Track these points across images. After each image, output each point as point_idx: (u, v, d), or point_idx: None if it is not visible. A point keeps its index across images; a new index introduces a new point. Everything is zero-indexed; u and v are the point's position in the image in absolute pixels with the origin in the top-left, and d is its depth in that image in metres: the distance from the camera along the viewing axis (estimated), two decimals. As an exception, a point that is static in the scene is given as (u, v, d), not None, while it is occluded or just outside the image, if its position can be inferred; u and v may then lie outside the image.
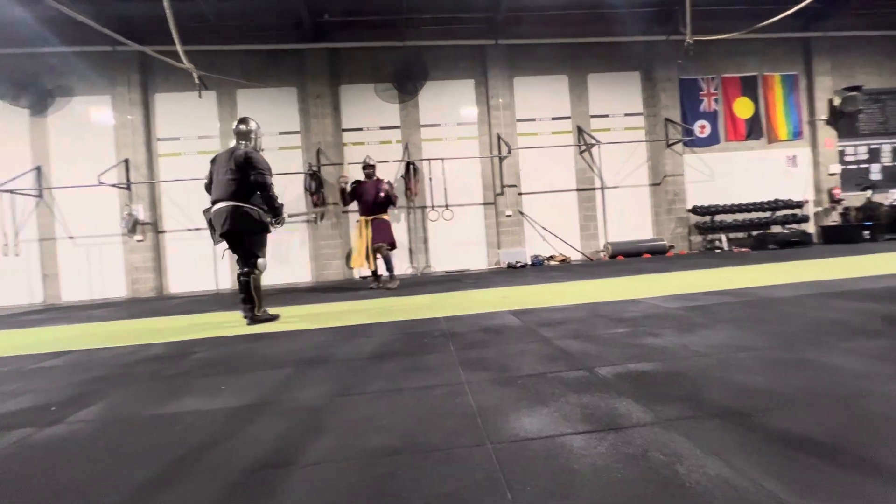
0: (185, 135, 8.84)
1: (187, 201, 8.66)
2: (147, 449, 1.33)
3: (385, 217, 5.97)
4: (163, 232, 8.73)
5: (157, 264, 8.56)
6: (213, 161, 3.71)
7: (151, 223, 8.58)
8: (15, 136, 8.48)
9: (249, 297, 3.61)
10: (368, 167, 6.05)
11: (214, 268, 8.48)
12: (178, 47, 5.22)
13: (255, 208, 3.57)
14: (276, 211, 3.68)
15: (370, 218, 5.91)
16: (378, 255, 5.89)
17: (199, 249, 8.61)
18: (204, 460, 1.23)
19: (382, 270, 6.10)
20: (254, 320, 3.62)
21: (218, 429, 1.45)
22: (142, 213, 8.52)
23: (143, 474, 1.17)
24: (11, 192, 8.13)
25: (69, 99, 8.63)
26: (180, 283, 8.68)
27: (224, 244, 3.75)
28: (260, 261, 3.67)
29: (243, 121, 3.80)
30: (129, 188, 8.45)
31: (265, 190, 3.56)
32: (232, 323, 3.77)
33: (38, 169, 8.48)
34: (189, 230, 8.70)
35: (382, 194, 5.86)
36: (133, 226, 8.40)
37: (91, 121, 8.68)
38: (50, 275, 8.47)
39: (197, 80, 5.93)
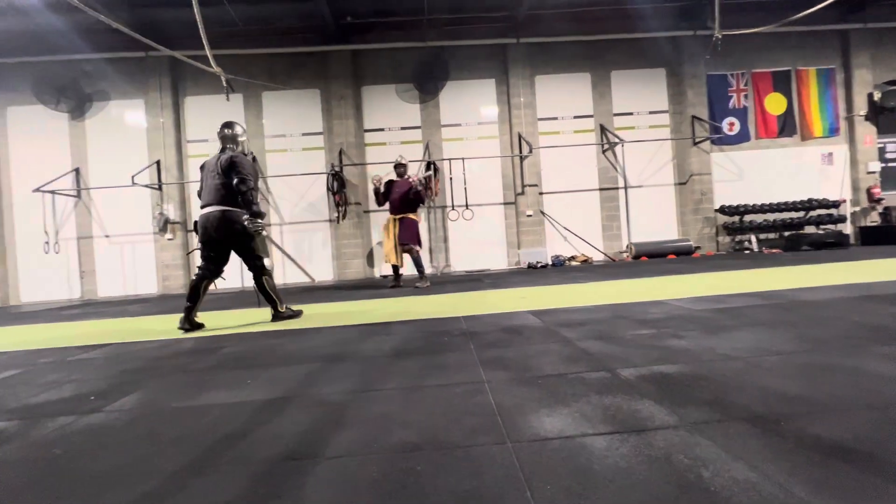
0: (213, 136, 8.99)
1: (215, 201, 8.93)
2: (178, 438, 1.39)
3: (412, 216, 5.97)
4: (192, 231, 9.02)
5: (186, 262, 8.85)
6: (202, 168, 3.71)
7: (181, 222, 8.88)
8: (56, 139, 8.92)
9: (194, 297, 3.48)
10: (400, 166, 6.08)
11: (241, 266, 8.68)
12: (208, 52, 5.39)
13: (243, 212, 3.50)
14: (253, 214, 3.51)
15: (398, 217, 5.94)
16: (405, 254, 5.94)
17: (226, 248, 8.85)
18: (232, 451, 1.27)
19: (408, 270, 6.14)
20: (278, 317, 3.68)
21: (244, 421, 1.50)
22: (172, 212, 8.83)
23: (175, 462, 1.22)
24: (53, 192, 8.55)
25: (105, 103, 9.02)
26: (208, 281, 8.94)
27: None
28: (266, 261, 3.69)
29: (228, 125, 3.79)
30: (160, 188, 8.77)
31: (244, 194, 3.45)
32: (257, 319, 3.88)
33: (77, 170, 8.90)
34: (216, 229, 8.96)
35: (412, 193, 5.86)
36: (164, 225, 8.72)
37: (125, 124, 9.05)
38: (87, 271, 8.87)
39: (225, 84, 6.12)
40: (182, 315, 3.47)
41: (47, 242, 8.51)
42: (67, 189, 8.77)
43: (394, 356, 2.25)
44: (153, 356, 2.64)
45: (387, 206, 6.10)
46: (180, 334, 3.35)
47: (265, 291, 3.66)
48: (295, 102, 9.15)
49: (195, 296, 3.48)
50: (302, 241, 9.10)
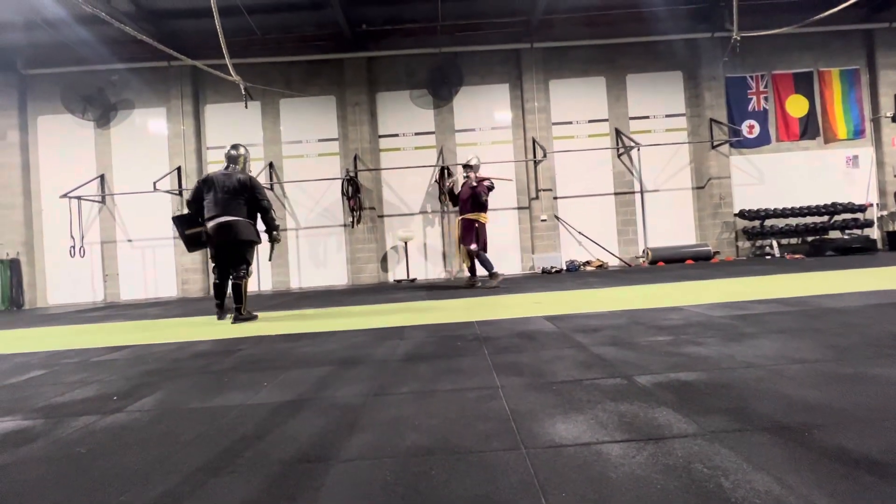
0: (232, 143, 9.29)
1: (233, 206, 9.11)
2: (197, 439, 1.41)
3: (471, 217, 5.85)
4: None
5: (204, 266, 9.04)
6: (206, 181, 4.15)
7: (200, 227, 9.07)
8: (82, 146, 9.24)
9: (240, 297, 4.05)
10: (467, 167, 6.02)
11: (257, 270, 8.84)
12: (227, 60, 5.52)
13: (251, 222, 4.18)
14: (274, 228, 4.26)
15: (459, 217, 6.00)
16: (470, 256, 5.97)
17: (243, 252, 9.03)
18: (248, 451, 1.29)
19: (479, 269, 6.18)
20: (239, 319, 4.05)
21: (260, 423, 1.52)
22: (192, 217, 9.03)
23: (193, 462, 1.24)
24: (79, 198, 8.84)
25: (130, 112, 9.31)
26: (225, 284, 9.12)
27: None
28: (251, 267, 4.25)
29: (235, 147, 4.34)
30: (181, 194, 8.99)
31: (267, 213, 4.20)
32: (271, 322, 3.93)
33: (102, 177, 9.19)
34: (234, 234, 9.14)
35: (472, 194, 5.81)
36: (184, 229, 8.91)
37: (148, 131, 9.32)
38: (110, 275, 9.13)
39: (244, 91, 6.25)
40: (236, 316, 4.05)
41: (73, 247, 8.79)
42: (93, 195, 9.06)
43: (407, 360, 2.26)
44: (172, 358, 2.70)
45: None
46: (198, 336, 3.42)
47: (240, 293, 4.08)
48: (311, 109, 9.30)
49: (240, 298, 4.06)
50: (317, 246, 9.21)
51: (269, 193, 9.16)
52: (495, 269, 5.94)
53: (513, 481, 1.03)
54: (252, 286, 8.90)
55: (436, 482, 1.05)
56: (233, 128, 9.28)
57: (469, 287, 6.08)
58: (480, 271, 6.15)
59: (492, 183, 5.90)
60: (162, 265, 9.14)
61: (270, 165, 9.20)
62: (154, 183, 8.46)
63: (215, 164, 9.31)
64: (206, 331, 3.78)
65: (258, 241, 4.23)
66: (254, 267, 4.43)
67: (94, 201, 9.12)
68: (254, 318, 4.19)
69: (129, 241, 9.19)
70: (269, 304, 5.80)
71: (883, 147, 9.13)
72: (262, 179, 9.00)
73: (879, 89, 9.14)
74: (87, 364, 2.68)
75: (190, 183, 9.05)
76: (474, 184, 5.79)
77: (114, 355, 2.92)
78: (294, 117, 9.31)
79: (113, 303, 8.67)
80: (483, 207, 5.85)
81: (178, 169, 9.04)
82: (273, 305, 5.62)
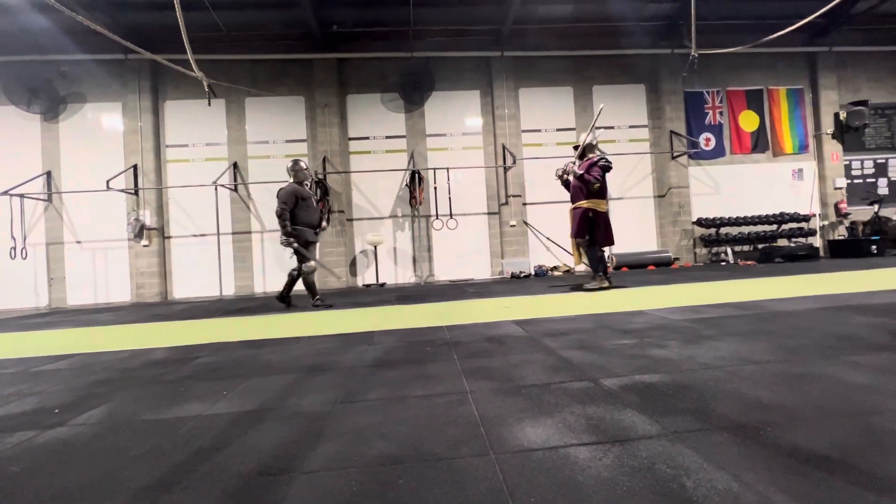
0: (194, 141, 8.95)
1: (194, 207, 8.75)
2: (148, 453, 1.32)
3: (585, 205, 5.07)
4: (169, 237, 8.80)
5: (162, 269, 8.61)
6: (300, 194, 4.99)
7: (158, 228, 8.65)
8: (27, 140, 8.63)
9: (312, 289, 5.12)
10: (576, 148, 5.30)
11: (219, 274, 8.50)
12: (190, 56, 5.30)
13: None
14: (284, 233, 4.87)
15: (572, 206, 5.25)
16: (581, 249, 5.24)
17: (205, 256, 8.67)
18: (204, 466, 1.22)
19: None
20: (316, 307, 4.97)
21: (219, 434, 1.44)
22: (149, 218, 8.60)
23: (143, 479, 1.16)
24: (22, 196, 8.23)
25: (81, 105, 8.78)
26: (185, 289, 8.72)
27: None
28: (308, 265, 5.08)
29: (292, 161, 5.17)
30: (136, 193, 8.54)
31: (278, 217, 4.83)
32: (234, 328, 3.77)
33: (49, 174, 8.60)
34: (195, 236, 8.77)
35: (576, 179, 5.12)
36: (140, 231, 8.47)
37: (102, 127, 8.81)
38: (56, 278, 8.54)
39: (207, 89, 6.01)
40: (312, 303, 5.02)
41: (14, 248, 8.17)
42: (37, 193, 8.46)
43: (376, 366, 2.21)
44: (124, 367, 2.54)
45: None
46: (153, 344, 3.24)
47: (307, 286, 5.05)
48: (279, 109, 9.07)
49: (312, 288, 5.08)
50: (283, 249, 8.95)
51: (233, 195, 8.85)
52: (601, 272, 5.13)
53: (482, 488, 1.02)
54: (212, 290, 8.58)
55: (403, 491, 1.02)
56: (195, 126, 8.91)
57: (599, 286, 5.14)
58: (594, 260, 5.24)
59: (606, 161, 5.04)
60: (114, 268, 8.63)
61: (235, 166, 8.89)
62: (107, 181, 7.99)
63: (175, 162, 8.91)
64: (161, 338, 3.58)
65: (296, 242, 4.93)
66: (312, 264, 5.10)
67: (38, 199, 8.52)
68: (329, 306, 5.02)
69: (79, 242, 8.63)
70: (231, 310, 5.57)
71: (824, 161, 9.83)
72: (226, 180, 8.68)
73: (821, 108, 9.84)
74: (26, 375, 2.48)
75: (148, 182, 8.61)
76: (580, 172, 5.03)
77: (57, 364, 2.71)
78: (260, 117, 9.05)
79: (59, 308, 8.11)
80: (599, 194, 5.04)
81: (135, 167, 8.58)
82: (235, 311, 5.40)
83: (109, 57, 8.38)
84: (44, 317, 6.34)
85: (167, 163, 8.90)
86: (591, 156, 5.16)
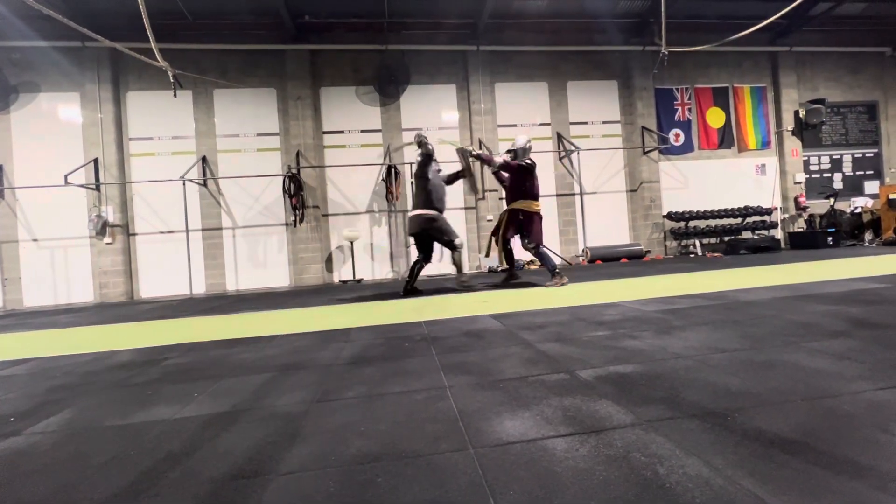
0: (159, 134, 8.59)
1: (161, 203, 8.41)
2: (112, 461, 1.27)
3: (516, 206, 5.14)
4: (134, 234, 8.44)
5: (127, 268, 8.26)
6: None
7: (122, 225, 8.28)
8: (-26, 133, 8.08)
9: (411, 275, 5.25)
10: (509, 152, 5.33)
11: (189, 272, 8.22)
12: (153, 45, 5.06)
13: (433, 212, 5.18)
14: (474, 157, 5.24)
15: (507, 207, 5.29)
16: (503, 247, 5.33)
17: (173, 253, 8.36)
18: (174, 471, 1.18)
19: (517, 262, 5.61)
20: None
21: (189, 438, 1.39)
22: (111, 214, 8.22)
23: (107, 488, 1.11)
24: (-31, 191, 7.72)
25: (35, 95, 8.29)
26: (152, 288, 8.39)
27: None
28: (457, 240, 5.26)
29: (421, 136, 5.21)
30: (98, 189, 8.15)
31: (424, 165, 5.13)
32: (206, 328, 3.66)
33: (0, 168, 8.10)
34: (162, 233, 8.44)
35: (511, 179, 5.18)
36: (102, 228, 8.09)
37: (59, 118, 8.34)
38: (11, 279, 8.07)
39: (172, 79, 5.76)
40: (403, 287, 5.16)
41: (-38, 247, 7.66)
42: (-12, 188, 7.96)
43: (353, 363, 2.18)
44: (86, 371, 2.42)
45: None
46: (118, 346, 3.10)
47: (457, 263, 5.15)
48: (249, 102, 8.80)
49: (412, 274, 5.19)
50: (256, 246, 8.74)
51: (203, 190, 8.55)
52: (556, 269, 5.13)
53: (461, 483, 1.02)
54: (182, 289, 8.30)
55: (382, 490, 1.01)
56: (160, 118, 8.54)
57: (508, 281, 5.52)
58: (517, 261, 5.25)
59: (530, 162, 5.12)
60: (75, 268, 8.22)
61: (203, 159, 8.58)
62: (66, 176, 7.58)
63: (138, 156, 8.53)
64: (127, 339, 3.44)
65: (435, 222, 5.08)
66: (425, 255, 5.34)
67: (-11, 195, 8.02)
68: (472, 287, 5.08)
69: (35, 240, 8.17)
70: (201, 309, 5.40)
71: (785, 157, 10.27)
72: (194, 174, 8.38)
73: (782, 106, 10.27)
74: (-23, 381, 2.33)
75: (110, 176, 8.21)
76: (499, 161, 5.07)
77: (13, 370, 2.56)
78: (230, 109, 8.75)
79: (14, 310, 7.67)
80: (530, 195, 5.08)
81: (95, 161, 8.17)
82: (206, 310, 5.24)
83: (66, 44, 7.92)
84: (-2, 320, 5.98)
85: (131, 156, 8.52)
86: (523, 159, 5.16)
